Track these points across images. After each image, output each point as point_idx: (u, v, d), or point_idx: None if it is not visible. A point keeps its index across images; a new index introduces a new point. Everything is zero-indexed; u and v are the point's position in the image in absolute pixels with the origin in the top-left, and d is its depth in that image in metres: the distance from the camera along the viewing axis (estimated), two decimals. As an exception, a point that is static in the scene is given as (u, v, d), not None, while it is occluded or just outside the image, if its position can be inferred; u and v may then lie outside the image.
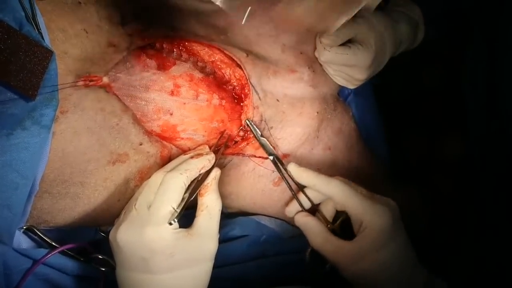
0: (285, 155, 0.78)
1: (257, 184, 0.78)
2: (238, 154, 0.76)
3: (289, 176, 0.70)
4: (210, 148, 0.72)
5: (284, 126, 0.78)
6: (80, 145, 0.61)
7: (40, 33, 0.55)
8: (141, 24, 0.65)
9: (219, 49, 0.73)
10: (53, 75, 0.55)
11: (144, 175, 0.67)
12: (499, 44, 0.76)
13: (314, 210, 0.71)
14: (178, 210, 0.57)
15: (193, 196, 0.60)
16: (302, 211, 0.70)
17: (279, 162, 0.73)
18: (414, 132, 0.94)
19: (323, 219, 0.69)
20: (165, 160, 0.69)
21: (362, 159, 0.85)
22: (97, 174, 0.63)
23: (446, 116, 0.89)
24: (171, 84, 0.70)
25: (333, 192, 0.66)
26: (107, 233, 0.69)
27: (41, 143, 0.56)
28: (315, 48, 0.75)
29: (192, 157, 0.64)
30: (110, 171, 0.64)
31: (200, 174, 0.63)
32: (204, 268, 0.60)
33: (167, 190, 0.58)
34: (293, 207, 0.71)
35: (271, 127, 0.77)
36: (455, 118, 0.87)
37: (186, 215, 0.60)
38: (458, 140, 0.86)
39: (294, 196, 0.71)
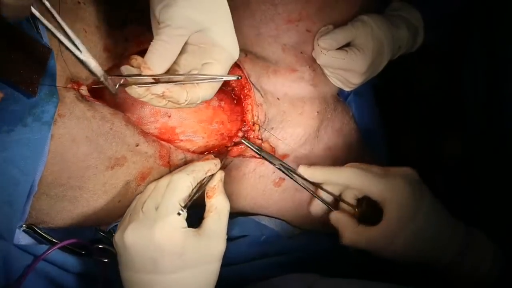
0: (285, 155, 0.78)
1: (257, 185, 0.79)
2: (238, 155, 0.76)
3: (301, 177, 0.70)
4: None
5: (284, 127, 0.78)
6: (78, 152, 0.61)
7: (39, 32, 0.56)
8: (139, 26, 0.66)
9: (217, 50, 0.73)
10: (53, 73, 0.57)
11: (145, 176, 0.67)
12: (498, 44, 0.76)
13: (336, 201, 0.71)
14: (184, 204, 0.58)
15: (199, 193, 0.61)
16: (330, 209, 0.70)
17: (286, 167, 0.72)
18: (414, 132, 0.93)
19: (349, 206, 0.69)
20: (165, 160, 0.69)
21: (362, 159, 0.84)
22: (96, 180, 0.64)
23: (446, 116, 0.89)
24: (168, 86, 0.70)
25: (348, 182, 0.66)
26: (107, 233, 0.70)
27: (42, 139, 0.57)
28: (313, 49, 0.77)
29: (198, 161, 0.64)
30: (109, 176, 0.64)
31: (205, 178, 0.64)
32: (212, 268, 0.60)
33: (174, 190, 0.59)
34: (317, 205, 0.71)
35: (272, 128, 0.77)
36: (455, 118, 0.87)
37: (194, 217, 0.61)
38: (458, 140, 0.86)
39: (315, 196, 0.70)
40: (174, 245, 0.56)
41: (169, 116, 0.70)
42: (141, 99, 0.56)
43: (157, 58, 0.55)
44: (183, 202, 0.59)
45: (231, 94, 0.75)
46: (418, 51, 0.84)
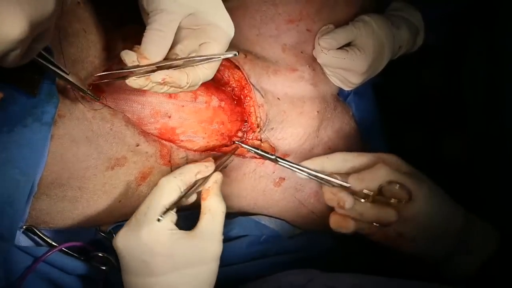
0: (285, 155, 0.78)
1: (258, 185, 0.78)
2: (238, 155, 0.76)
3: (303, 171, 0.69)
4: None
5: (284, 127, 0.78)
6: (78, 152, 0.61)
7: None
8: (136, 25, 0.65)
9: (216, 51, 0.73)
10: (52, 73, 0.56)
11: (146, 176, 0.67)
12: (498, 44, 0.76)
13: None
14: (169, 208, 0.59)
15: (189, 197, 0.61)
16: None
17: (289, 163, 0.70)
18: (414, 132, 0.94)
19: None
20: (166, 159, 0.69)
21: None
22: (96, 180, 0.64)
23: (446, 116, 0.89)
24: (168, 86, 0.70)
25: (341, 165, 0.67)
26: (107, 233, 0.70)
27: (42, 140, 0.57)
28: (314, 48, 0.77)
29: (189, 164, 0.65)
30: (109, 176, 0.64)
31: (198, 180, 0.64)
32: (207, 269, 0.60)
33: (160, 193, 0.59)
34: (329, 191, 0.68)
35: (272, 128, 0.77)
36: (455, 118, 0.87)
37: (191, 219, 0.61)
38: (458, 140, 0.86)
39: (324, 182, 0.67)
40: (162, 246, 0.57)
41: (169, 117, 0.70)
42: (142, 89, 0.56)
43: (153, 46, 0.55)
44: (168, 204, 0.59)
45: (231, 94, 0.75)
46: (419, 51, 0.85)
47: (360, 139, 0.88)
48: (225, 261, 0.71)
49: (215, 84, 0.74)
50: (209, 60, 0.58)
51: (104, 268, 0.66)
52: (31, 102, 0.56)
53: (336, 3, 0.77)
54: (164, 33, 0.54)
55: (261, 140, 0.76)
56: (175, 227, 0.59)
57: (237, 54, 0.60)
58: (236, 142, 0.74)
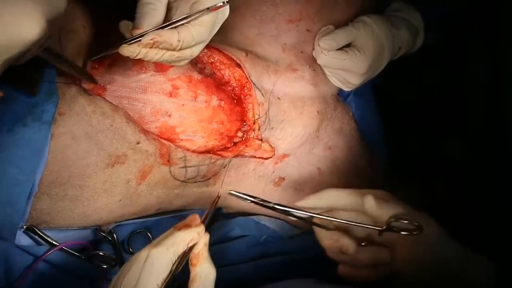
0: (285, 155, 0.78)
1: (257, 185, 0.79)
2: (238, 155, 0.76)
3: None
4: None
5: (285, 126, 0.78)
6: (78, 149, 0.61)
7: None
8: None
9: (218, 50, 0.73)
10: (52, 71, 0.57)
11: (146, 174, 0.67)
12: (499, 44, 0.76)
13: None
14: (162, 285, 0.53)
15: (182, 265, 0.56)
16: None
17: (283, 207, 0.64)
18: (414, 132, 0.94)
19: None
20: (165, 158, 0.69)
21: (362, 159, 0.85)
22: (96, 178, 0.63)
23: (447, 116, 0.89)
24: (169, 85, 0.70)
25: (333, 203, 0.62)
26: (107, 233, 0.70)
27: (42, 139, 0.57)
28: (314, 49, 0.77)
29: (179, 229, 0.57)
30: (109, 173, 0.64)
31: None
32: None
33: (152, 268, 0.54)
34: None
35: (272, 128, 0.77)
36: (455, 118, 0.87)
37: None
38: (458, 140, 0.86)
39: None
40: None
41: (170, 116, 0.70)
42: (136, 57, 0.55)
43: (146, 20, 0.54)
44: (161, 282, 0.53)
45: (231, 94, 0.75)
46: (419, 51, 0.85)
47: (360, 139, 0.88)
48: (225, 261, 0.71)
49: (215, 83, 0.74)
50: (199, 15, 0.56)
51: (104, 267, 0.66)
52: (31, 101, 0.56)
53: (336, 3, 0.77)
54: (155, 5, 0.54)
55: (261, 140, 0.76)
56: None
57: (227, 1, 0.57)
58: (231, 192, 0.62)
